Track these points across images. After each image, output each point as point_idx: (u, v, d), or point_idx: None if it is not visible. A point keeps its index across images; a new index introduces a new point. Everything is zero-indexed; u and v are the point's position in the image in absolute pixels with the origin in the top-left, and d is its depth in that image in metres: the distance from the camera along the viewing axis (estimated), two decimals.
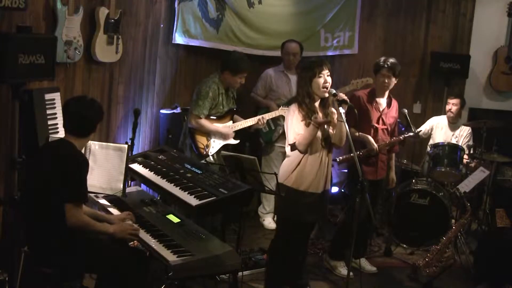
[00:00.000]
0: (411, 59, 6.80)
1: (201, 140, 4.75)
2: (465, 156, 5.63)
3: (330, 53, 6.35)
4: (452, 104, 5.93)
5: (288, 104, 4.88)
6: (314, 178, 3.79)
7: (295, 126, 3.74)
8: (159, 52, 5.31)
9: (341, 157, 4.68)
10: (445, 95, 6.60)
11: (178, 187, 3.58)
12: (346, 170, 5.31)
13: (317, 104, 3.80)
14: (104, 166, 3.73)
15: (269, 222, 5.65)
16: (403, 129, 5.28)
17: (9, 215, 3.84)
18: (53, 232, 3.10)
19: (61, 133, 3.83)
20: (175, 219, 3.52)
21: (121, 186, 3.71)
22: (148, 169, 3.93)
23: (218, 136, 4.79)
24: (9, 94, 3.75)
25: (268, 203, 5.67)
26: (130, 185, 4.11)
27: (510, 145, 5.74)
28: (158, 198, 4.06)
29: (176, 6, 5.29)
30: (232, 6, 5.61)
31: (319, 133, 3.74)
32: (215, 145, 4.79)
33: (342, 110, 3.61)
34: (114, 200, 3.73)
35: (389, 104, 4.67)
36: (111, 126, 4.90)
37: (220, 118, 4.82)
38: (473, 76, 6.91)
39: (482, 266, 4.61)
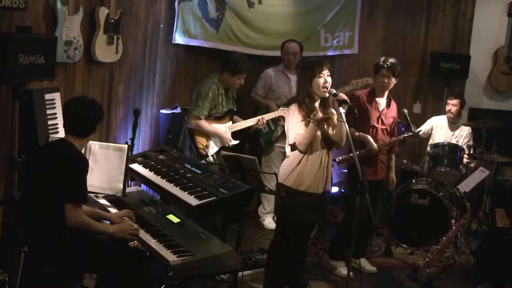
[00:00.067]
0: (411, 59, 6.80)
1: (201, 140, 4.75)
2: (465, 156, 5.63)
3: (330, 53, 6.35)
4: (452, 105, 5.93)
5: (288, 104, 4.88)
6: (314, 178, 3.79)
7: (295, 126, 3.74)
8: (159, 52, 5.31)
9: (340, 157, 4.68)
10: (445, 95, 6.60)
11: (178, 187, 3.58)
12: (346, 170, 5.30)
13: (317, 104, 3.80)
14: (104, 166, 3.73)
15: (269, 222, 5.65)
16: (403, 129, 5.28)
17: (9, 215, 3.84)
18: (53, 232, 3.10)
19: (61, 133, 3.83)
20: (175, 219, 3.52)
21: (121, 186, 3.71)
22: (148, 169, 3.93)
23: (217, 138, 4.78)
24: (9, 94, 3.75)
25: (268, 203, 5.67)
26: (130, 185, 4.11)
27: (510, 145, 5.74)
28: (158, 198, 4.06)
29: (176, 6, 5.29)
30: (232, 6, 5.61)
31: (318, 133, 3.73)
32: (215, 145, 4.79)
33: (342, 110, 3.61)
34: (114, 200, 3.73)
35: (388, 104, 4.67)
36: (111, 126, 4.90)
37: (220, 118, 4.82)
38: (473, 76, 6.91)
39: (482, 266, 4.61)
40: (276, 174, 3.71)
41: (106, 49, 4.57)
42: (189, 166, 3.86)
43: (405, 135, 4.77)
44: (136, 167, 4.00)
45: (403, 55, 6.56)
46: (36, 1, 3.99)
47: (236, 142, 4.89)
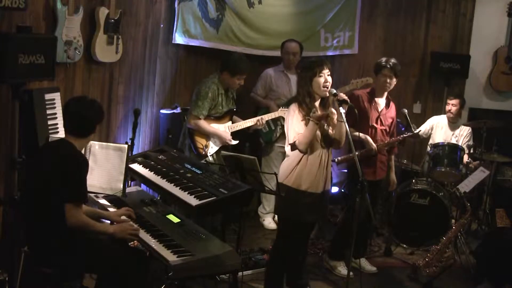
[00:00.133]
0: (411, 59, 6.80)
1: (200, 140, 4.75)
2: (465, 156, 5.63)
3: (330, 53, 6.35)
4: (452, 105, 5.93)
5: (288, 104, 4.88)
6: (314, 178, 3.79)
7: (295, 126, 3.74)
8: (159, 52, 5.31)
9: (339, 157, 4.68)
10: (445, 95, 6.60)
11: (178, 187, 3.58)
12: (346, 170, 5.31)
13: (317, 104, 3.80)
14: (104, 166, 3.73)
15: (269, 222, 5.65)
16: (403, 129, 5.28)
17: (9, 215, 3.84)
18: (53, 232, 3.10)
19: (61, 133, 3.83)
20: (175, 219, 3.52)
21: (121, 186, 3.71)
22: (148, 169, 3.93)
23: (216, 138, 4.78)
24: (9, 94, 3.75)
25: (268, 203, 5.67)
26: (130, 185, 4.11)
27: (510, 145, 5.74)
28: (158, 198, 4.06)
29: (176, 6, 5.29)
30: (232, 6, 5.61)
31: (318, 133, 3.73)
32: (214, 145, 4.79)
33: (342, 110, 3.61)
34: (114, 200, 3.73)
35: (387, 105, 4.68)
36: (111, 126, 4.90)
37: (219, 118, 4.82)
38: (473, 76, 6.91)
39: (482, 266, 4.61)
40: (276, 174, 3.71)
41: (106, 49, 4.57)
42: (189, 166, 3.86)
43: (404, 135, 4.77)
44: (136, 167, 4.00)
45: (403, 55, 6.56)
46: (36, 1, 3.99)
47: (236, 142, 4.89)
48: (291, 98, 5.17)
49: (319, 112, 3.72)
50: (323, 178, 3.84)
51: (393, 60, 4.56)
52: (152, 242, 3.22)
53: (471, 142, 5.86)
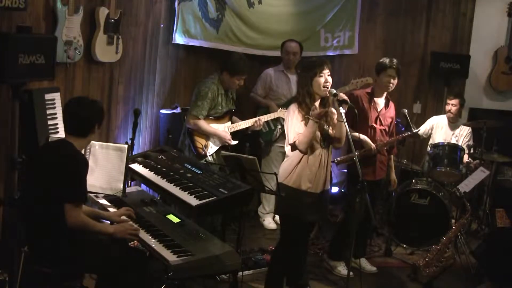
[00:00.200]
0: (411, 59, 6.80)
1: (200, 140, 4.75)
2: (465, 156, 5.63)
3: (330, 53, 6.35)
4: (452, 105, 5.92)
5: (287, 104, 4.88)
6: (314, 178, 3.79)
7: (295, 126, 3.74)
8: (159, 52, 5.31)
9: (339, 158, 4.68)
10: (445, 95, 6.60)
11: (178, 187, 3.58)
12: (345, 170, 5.30)
13: (317, 104, 3.79)
14: (104, 166, 3.73)
15: (269, 222, 5.65)
16: (403, 129, 5.28)
17: (9, 215, 3.84)
18: (53, 232, 3.10)
19: (61, 133, 3.83)
20: (175, 219, 3.52)
21: (121, 186, 3.71)
22: (148, 169, 3.93)
23: (216, 138, 4.78)
24: (9, 94, 3.75)
25: (268, 203, 5.67)
26: (130, 185, 4.11)
27: (510, 145, 5.74)
28: (158, 198, 4.06)
29: (176, 6, 5.29)
30: (232, 6, 5.61)
31: (318, 133, 3.73)
32: (214, 145, 4.79)
33: (342, 110, 3.61)
34: (114, 200, 3.73)
35: (386, 105, 4.68)
36: (111, 126, 4.90)
37: (219, 118, 4.82)
38: (473, 76, 6.91)
39: (482, 266, 4.61)
40: (276, 174, 3.71)
41: (106, 49, 4.57)
42: (189, 166, 3.86)
43: (403, 134, 4.78)
44: (136, 167, 4.00)
45: (403, 55, 6.56)
46: (36, 1, 3.99)
47: (235, 142, 4.89)
48: (291, 98, 5.17)
49: (318, 109, 3.71)
50: (323, 178, 3.84)
51: (395, 61, 4.57)
52: (152, 242, 3.22)
53: (471, 142, 5.86)
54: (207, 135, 4.76)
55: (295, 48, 5.46)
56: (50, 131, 3.91)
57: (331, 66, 3.81)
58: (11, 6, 3.54)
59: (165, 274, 3.08)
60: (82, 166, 3.17)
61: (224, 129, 4.82)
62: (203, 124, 4.70)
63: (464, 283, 4.72)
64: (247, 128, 4.99)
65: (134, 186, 4.20)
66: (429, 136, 6.05)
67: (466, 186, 5.12)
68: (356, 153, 3.67)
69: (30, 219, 3.20)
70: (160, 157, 4.10)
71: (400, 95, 6.43)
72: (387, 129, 4.69)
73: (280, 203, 3.94)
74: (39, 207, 3.12)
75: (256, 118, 5.00)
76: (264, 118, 5.08)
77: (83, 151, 3.43)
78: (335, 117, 3.76)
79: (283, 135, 4.45)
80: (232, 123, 4.91)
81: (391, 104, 4.73)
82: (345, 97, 3.65)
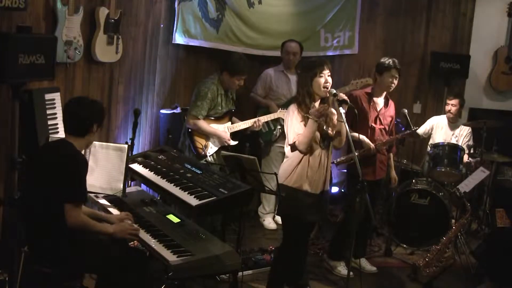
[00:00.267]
0: (411, 59, 6.80)
1: (200, 140, 4.75)
2: (465, 156, 5.63)
3: (330, 53, 6.35)
4: (452, 105, 5.92)
5: (287, 104, 4.88)
6: (314, 179, 3.78)
7: (294, 126, 3.73)
8: (159, 52, 5.31)
9: (338, 159, 4.68)
10: (445, 95, 6.59)
11: (178, 187, 3.58)
12: (345, 170, 5.30)
13: (317, 104, 3.79)
14: (104, 166, 3.73)
15: (269, 222, 5.65)
16: (403, 129, 5.28)
17: (9, 215, 3.84)
18: (53, 232, 3.10)
19: (61, 133, 3.83)
20: (175, 219, 3.52)
21: (121, 186, 3.71)
22: (148, 169, 3.93)
23: (216, 138, 4.78)
24: (9, 94, 3.75)
25: (268, 203, 5.67)
26: (130, 185, 4.11)
27: (510, 145, 5.74)
28: (158, 198, 4.06)
29: (176, 6, 5.29)
30: (232, 6, 5.61)
31: (317, 134, 3.72)
32: (214, 145, 4.79)
33: (342, 110, 3.61)
34: (114, 200, 3.73)
35: (386, 104, 4.68)
36: (111, 126, 4.90)
37: (219, 119, 4.82)
38: (473, 76, 6.91)
39: (482, 266, 4.61)
40: (276, 174, 3.70)
41: (106, 49, 4.57)
42: (189, 166, 3.86)
43: (402, 133, 4.78)
44: (136, 167, 4.00)
45: (403, 55, 6.56)
46: (36, 1, 3.99)
47: (235, 142, 4.89)
48: (291, 99, 5.17)
49: (317, 107, 3.69)
50: (323, 179, 3.83)
51: (396, 61, 4.58)
52: (152, 242, 3.22)
53: (471, 142, 5.86)
54: (207, 136, 4.76)
55: (295, 48, 5.46)
56: (50, 131, 3.91)
57: (331, 66, 3.81)
58: (11, 6, 3.54)
59: (165, 274, 3.08)
60: (82, 166, 3.17)
61: (224, 129, 4.82)
62: (203, 124, 4.70)
63: (464, 283, 4.72)
64: (246, 129, 4.99)
65: (134, 186, 4.20)
66: (429, 136, 6.06)
67: (466, 186, 5.12)
68: (356, 153, 3.67)
69: (30, 219, 3.20)
70: (160, 157, 4.10)
71: (400, 95, 6.43)
72: (386, 128, 4.69)
73: (281, 203, 3.94)
74: (39, 207, 3.12)
75: (256, 119, 5.01)
76: (264, 118, 5.08)
77: (83, 151, 3.42)
78: (335, 117, 3.76)
79: (282, 135, 4.45)
80: (232, 123, 4.91)
81: (391, 103, 4.73)
82: (345, 97, 3.65)
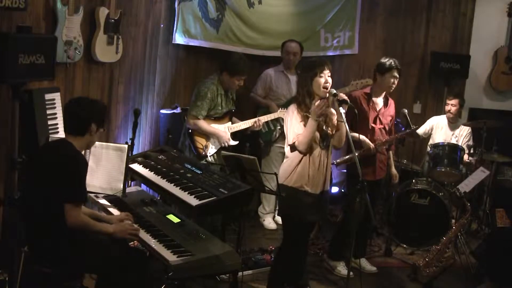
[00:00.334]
0: (411, 59, 6.80)
1: (200, 140, 4.75)
2: (465, 156, 5.63)
3: (330, 53, 6.35)
4: (451, 105, 5.92)
5: (287, 104, 4.88)
6: (314, 179, 3.78)
7: (294, 127, 3.73)
8: (159, 52, 5.31)
9: (338, 160, 4.68)
10: (445, 95, 6.59)
11: (178, 187, 3.58)
12: (345, 170, 5.30)
13: (317, 103, 3.79)
14: (104, 166, 3.73)
15: (269, 222, 5.65)
16: (403, 129, 5.28)
17: (9, 215, 3.84)
18: (53, 232, 3.10)
19: (61, 133, 3.83)
20: (175, 219, 3.52)
21: (121, 186, 3.71)
22: (148, 169, 3.93)
23: (216, 138, 4.78)
24: (9, 94, 3.75)
25: (268, 203, 5.67)
26: (130, 185, 4.11)
27: (510, 145, 5.74)
28: (158, 198, 4.06)
29: (176, 6, 5.29)
30: (232, 6, 5.61)
31: (317, 134, 3.72)
32: (214, 145, 4.79)
33: (342, 110, 3.61)
34: (114, 200, 3.73)
35: (385, 103, 4.68)
36: (111, 126, 4.90)
37: (219, 119, 4.82)
38: (473, 76, 6.91)
39: (482, 266, 4.61)
40: (276, 174, 3.70)
41: (106, 49, 4.57)
42: (189, 166, 3.86)
43: (402, 133, 4.78)
44: (136, 167, 4.00)
45: (403, 55, 6.56)
46: (36, 1, 3.99)
47: (235, 142, 4.89)
48: (291, 99, 5.17)
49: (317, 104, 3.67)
50: (323, 179, 3.83)
51: (397, 61, 4.58)
52: (152, 242, 3.22)
53: (471, 142, 5.86)
54: (207, 136, 4.76)
55: (295, 48, 5.46)
56: (50, 131, 3.91)
57: (331, 66, 3.81)
58: (11, 6, 3.54)
59: (165, 274, 3.08)
60: (82, 166, 3.17)
61: (224, 129, 4.82)
62: (203, 124, 4.70)
63: (464, 283, 4.72)
64: (246, 129, 4.99)
65: (134, 186, 4.20)
66: (429, 136, 6.06)
67: (466, 186, 5.12)
68: (356, 153, 3.67)
69: (30, 219, 3.20)
70: (160, 157, 4.10)
71: (400, 95, 6.43)
72: (386, 128, 4.69)
73: (281, 203, 3.94)
74: (39, 207, 3.12)
75: (256, 119, 5.01)
76: (264, 118, 5.08)
77: (83, 151, 3.42)
78: (334, 117, 3.76)
79: (282, 135, 4.45)
80: (232, 123, 4.91)
81: (391, 102, 4.73)
82: (345, 97, 3.65)
